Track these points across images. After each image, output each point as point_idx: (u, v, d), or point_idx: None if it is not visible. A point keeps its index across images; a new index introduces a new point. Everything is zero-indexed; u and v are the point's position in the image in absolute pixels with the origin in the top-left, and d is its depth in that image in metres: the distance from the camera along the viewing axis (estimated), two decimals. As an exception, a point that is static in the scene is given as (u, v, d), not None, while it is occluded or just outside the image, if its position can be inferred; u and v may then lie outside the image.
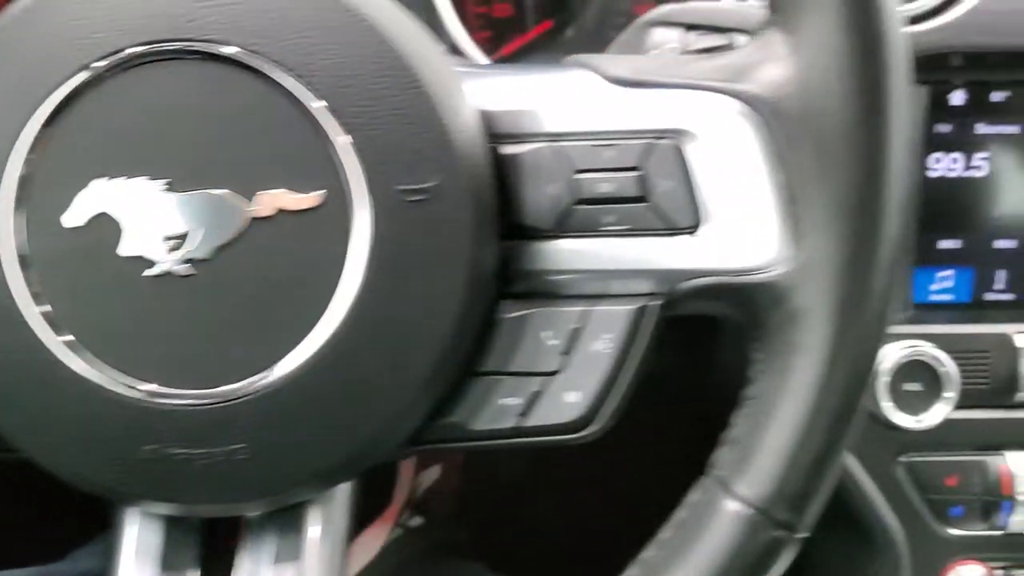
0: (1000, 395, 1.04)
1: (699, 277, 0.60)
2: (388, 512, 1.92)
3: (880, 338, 0.58)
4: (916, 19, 0.95)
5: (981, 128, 1.06)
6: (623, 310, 0.61)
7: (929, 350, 1.01)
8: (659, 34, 0.78)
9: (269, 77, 0.56)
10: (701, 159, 0.59)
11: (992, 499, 1.04)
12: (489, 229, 0.60)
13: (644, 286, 0.62)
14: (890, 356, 1.01)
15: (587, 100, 0.62)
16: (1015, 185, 1.07)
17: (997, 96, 1.05)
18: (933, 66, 1.01)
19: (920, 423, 1.01)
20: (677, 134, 0.60)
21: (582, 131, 0.61)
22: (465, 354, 0.62)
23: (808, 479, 0.56)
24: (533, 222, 0.62)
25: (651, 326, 0.61)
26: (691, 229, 0.60)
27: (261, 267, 0.57)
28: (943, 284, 1.10)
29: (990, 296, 1.10)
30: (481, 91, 0.64)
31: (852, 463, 1.04)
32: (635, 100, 0.61)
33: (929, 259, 1.09)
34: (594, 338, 0.61)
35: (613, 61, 0.63)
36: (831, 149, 0.55)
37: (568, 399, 0.61)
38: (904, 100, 0.56)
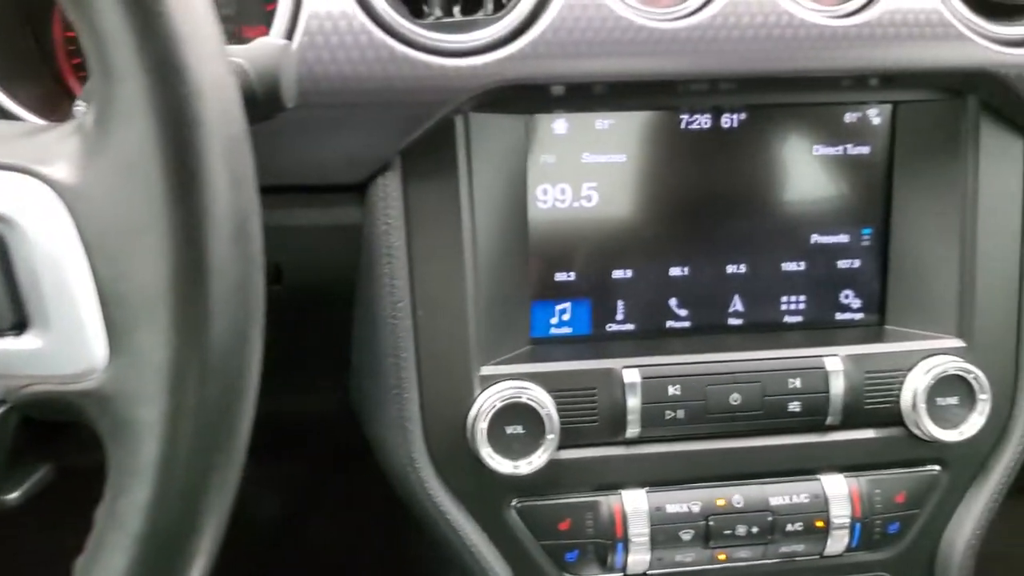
0: (610, 432, 1.00)
1: (33, 384, 0.52)
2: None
3: (232, 450, 0.51)
4: (483, 49, 0.90)
5: (587, 158, 1.02)
6: (-44, 419, 0.52)
7: (533, 392, 0.96)
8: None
9: None
10: (22, 250, 0.51)
11: (605, 541, 1.01)
12: None
13: (-12, 390, 0.53)
14: (491, 400, 0.96)
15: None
16: (625, 215, 1.04)
17: (601, 125, 1.01)
18: (532, 96, 0.96)
19: (517, 468, 0.96)
20: (-6, 220, 0.51)
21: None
22: None
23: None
24: None
25: (-6, 435, 0.52)
26: (16, 330, 0.51)
27: None
28: (562, 318, 1.06)
29: (612, 327, 1.07)
30: None
31: (455, 513, 0.99)
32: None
33: (546, 293, 1.04)
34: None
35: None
36: (140, 241, 0.48)
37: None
38: (225, 182, 0.49)
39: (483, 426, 0.96)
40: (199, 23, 0.48)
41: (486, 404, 0.96)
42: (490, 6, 0.92)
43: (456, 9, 0.95)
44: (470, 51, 0.89)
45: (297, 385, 1.22)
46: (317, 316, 1.08)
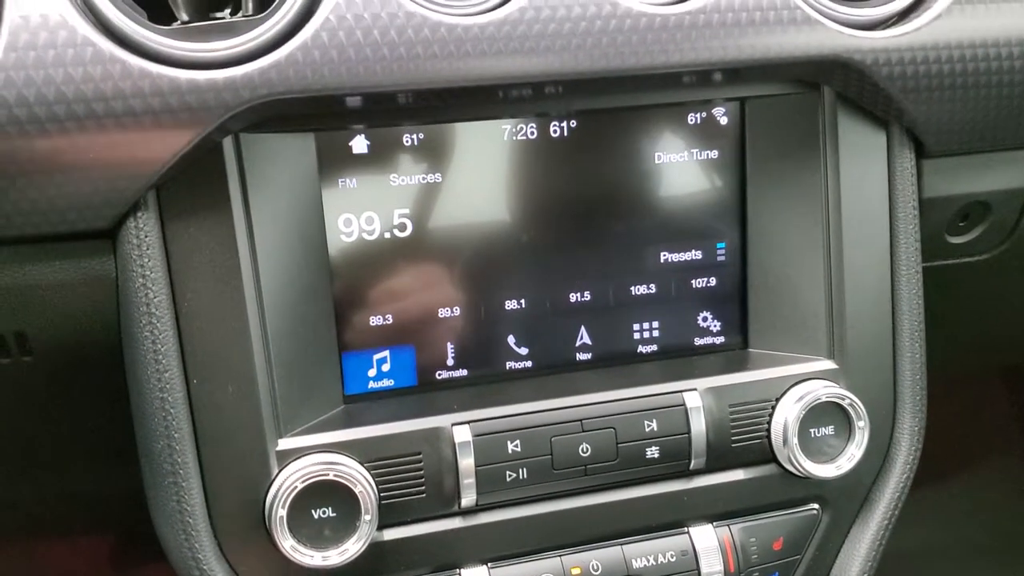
0: (442, 503, 0.83)
1: None
2: None
3: None
4: (242, 57, 0.71)
5: (396, 180, 0.85)
6: None
7: (343, 465, 0.78)
8: None
9: None
10: None
11: (444, 628, 0.84)
12: None
13: None
14: (291, 481, 0.77)
15: None
16: (447, 244, 0.87)
17: (410, 140, 0.84)
18: (319, 110, 0.78)
19: (327, 560, 0.78)
20: None
21: None
22: None
23: None
24: None
25: None
26: None
27: None
28: (381, 368, 0.88)
29: (442, 375, 0.90)
30: None
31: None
32: None
33: (360, 341, 0.87)
34: None
35: None
36: None
37: None
38: None
39: (282, 513, 0.77)
40: None
41: (285, 486, 0.78)
42: (250, 5, 0.74)
43: (228, 11, 0.76)
44: (225, 61, 0.71)
45: (92, 465, 1.02)
46: (94, 388, 0.88)
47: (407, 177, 0.84)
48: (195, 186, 0.76)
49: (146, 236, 0.75)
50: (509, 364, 0.90)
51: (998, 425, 1.57)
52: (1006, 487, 1.63)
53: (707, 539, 0.89)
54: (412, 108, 0.81)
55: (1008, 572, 1.65)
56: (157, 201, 0.75)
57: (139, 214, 0.74)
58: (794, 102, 0.88)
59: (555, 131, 0.87)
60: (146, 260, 0.75)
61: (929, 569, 1.65)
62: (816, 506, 0.93)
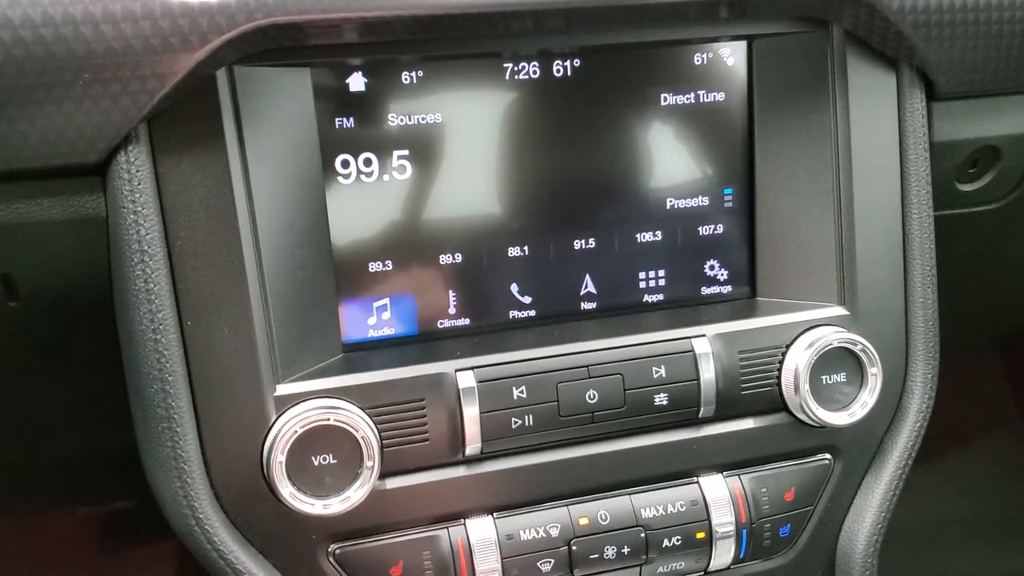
0: (446, 451, 0.80)
1: None
2: None
3: None
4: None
5: (395, 119, 0.82)
6: None
7: (344, 411, 0.76)
8: None
9: None
10: None
11: (449, 582, 0.81)
12: None
13: None
14: (290, 426, 0.75)
15: None
16: (448, 188, 0.84)
17: (408, 78, 0.82)
18: (319, 41, 0.75)
19: (328, 508, 0.75)
20: None
21: None
22: None
23: None
24: None
25: None
26: None
27: None
28: (381, 316, 0.86)
29: (444, 324, 0.87)
30: None
31: (255, 570, 0.77)
32: None
33: (359, 288, 0.84)
34: None
35: None
36: None
37: None
38: None
39: (281, 459, 0.75)
40: None
41: (284, 431, 0.75)
42: (244, -74, 0.72)
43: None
44: (219, -17, 0.69)
45: (80, 422, 0.99)
46: (83, 336, 0.85)
47: (406, 117, 0.82)
48: (188, 120, 0.73)
49: (137, 171, 0.72)
50: (512, 313, 0.88)
51: (1007, 391, 1.55)
52: (1011, 461, 1.61)
53: (717, 489, 0.86)
54: (410, 41, 0.78)
55: (1006, 551, 1.63)
56: (149, 135, 0.72)
57: (130, 148, 0.71)
58: (802, 42, 0.86)
59: (558, 70, 0.84)
60: (137, 196, 0.72)
61: (926, 547, 1.62)
62: (828, 456, 0.91)
